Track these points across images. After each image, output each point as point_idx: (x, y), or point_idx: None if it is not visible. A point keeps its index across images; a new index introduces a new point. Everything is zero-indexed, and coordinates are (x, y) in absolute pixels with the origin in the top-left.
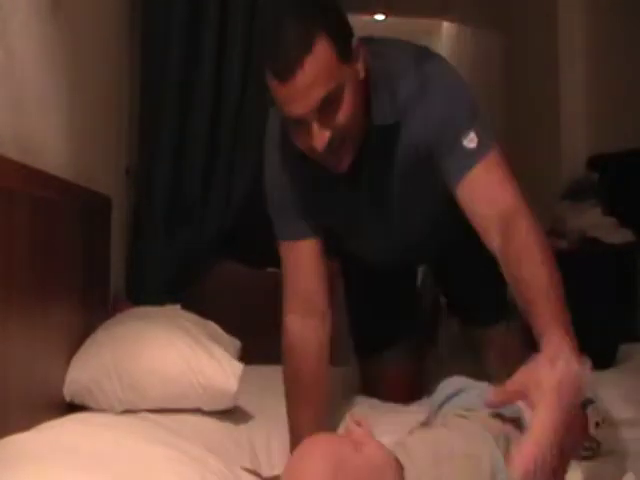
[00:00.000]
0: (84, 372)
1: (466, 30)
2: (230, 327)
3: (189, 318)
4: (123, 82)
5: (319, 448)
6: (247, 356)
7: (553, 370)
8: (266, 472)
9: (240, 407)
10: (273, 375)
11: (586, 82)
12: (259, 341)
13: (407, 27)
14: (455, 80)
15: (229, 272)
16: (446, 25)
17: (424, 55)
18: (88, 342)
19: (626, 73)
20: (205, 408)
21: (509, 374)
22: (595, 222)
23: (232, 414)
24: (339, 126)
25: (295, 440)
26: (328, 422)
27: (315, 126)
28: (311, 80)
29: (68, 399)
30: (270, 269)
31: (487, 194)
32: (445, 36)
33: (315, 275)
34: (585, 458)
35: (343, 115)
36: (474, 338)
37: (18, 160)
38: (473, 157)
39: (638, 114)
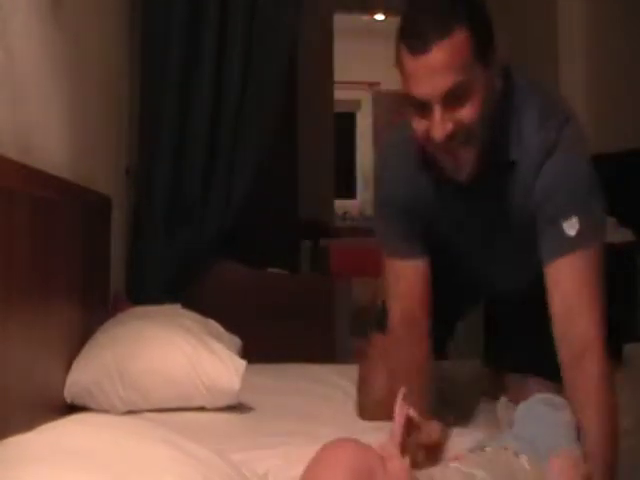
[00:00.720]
0: (85, 374)
1: None
2: (230, 327)
3: (190, 317)
4: (123, 82)
5: (345, 456)
6: (247, 356)
7: None
8: (266, 471)
9: (242, 405)
10: (273, 374)
11: (586, 82)
12: (259, 341)
13: None
14: (584, 155)
15: (229, 272)
16: None
17: (564, 111)
18: (89, 343)
19: (626, 73)
20: (208, 406)
21: None
22: None
23: (234, 411)
24: (462, 123)
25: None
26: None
27: (437, 113)
28: (443, 63)
29: (69, 400)
30: (270, 269)
31: (569, 294)
32: None
33: (420, 294)
34: None
35: (468, 112)
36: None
37: (18, 160)
38: (567, 246)
39: (638, 114)
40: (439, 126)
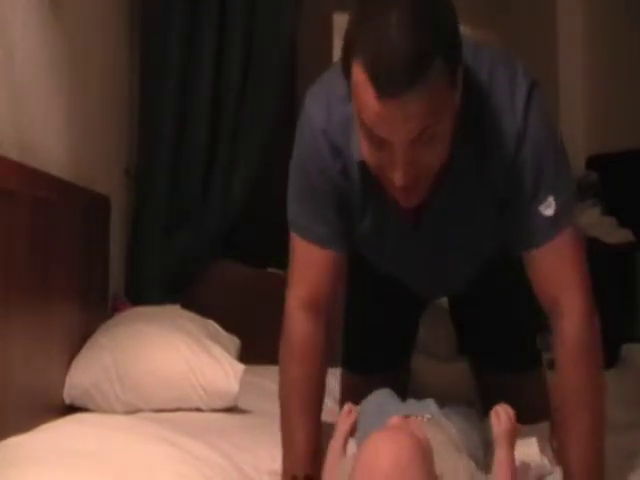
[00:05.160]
0: (84, 376)
1: (466, 30)
2: (230, 327)
3: (189, 318)
4: (123, 82)
5: (404, 437)
6: (247, 356)
7: None
8: (264, 471)
9: (240, 406)
10: (273, 375)
11: (585, 82)
12: (259, 341)
13: None
14: (550, 127)
15: (229, 272)
16: None
17: (521, 84)
18: (88, 345)
19: (625, 73)
20: (206, 409)
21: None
22: (595, 222)
23: (233, 412)
24: (427, 167)
25: (292, 453)
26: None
27: (401, 158)
28: (416, 108)
29: (68, 401)
30: (270, 269)
31: (555, 280)
32: None
33: (330, 280)
34: None
35: (436, 155)
36: (490, 386)
37: (18, 160)
38: (546, 231)
39: (638, 114)
40: (401, 174)
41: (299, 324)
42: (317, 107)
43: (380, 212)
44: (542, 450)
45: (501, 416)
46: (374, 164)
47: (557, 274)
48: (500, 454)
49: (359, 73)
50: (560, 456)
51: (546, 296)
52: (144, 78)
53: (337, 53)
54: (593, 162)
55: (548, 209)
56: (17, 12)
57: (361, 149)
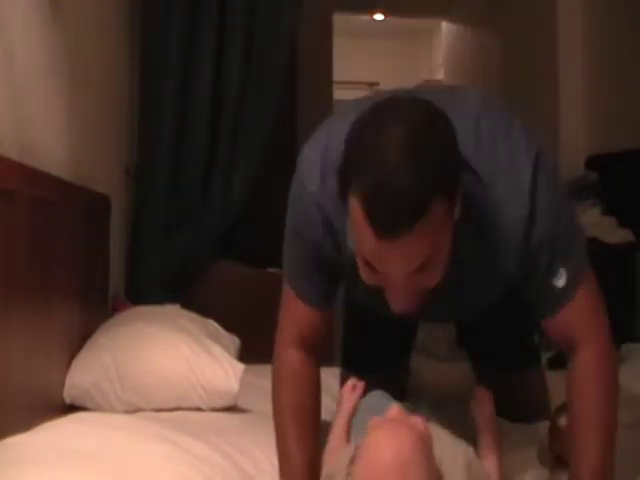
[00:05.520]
0: (84, 375)
1: (466, 30)
2: (230, 327)
3: (189, 317)
4: (123, 82)
5: (405, 432)
6: (247, 356)
7: None
8: (264, 471)
9: (240, 406)
10: None
11: (586, 82)
12: (259, 341)
13: (407, 27)
14: (558, 199)
15: (229, 272)
16: (446, 25)
17: (524, 163)
18: (88, 344)
19: (625, 73)
20: (206, 408)
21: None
22: (594, 222)
23: (232, 412)
24: (426, 288)
25: (288, 473)
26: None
27: (400, 288)
28: (415, 247)
29: (68, 401)
30: (270, 269)
31: (572, 333)
32: (445, 36)
33: (321, 327)
34: None
35: (434, 279)
36: (489, 385)
37: (18, 160)
38: (560, 299)
39: (638, 114)
40: (400, 301)
41: (289, 358)
42: (311, 173)
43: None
44: (540, 452)
45: (483, 401)
46: (370, 282)
47: (573, 329)
48: (486, 439)
49: (357, 208)
50: (561, 461)
51: (562, 341)
52: (144, 78)
53: (337, 53)
54: (593, 162)
55: (560, 280)
56: (17, 12)
57: (362, 275)
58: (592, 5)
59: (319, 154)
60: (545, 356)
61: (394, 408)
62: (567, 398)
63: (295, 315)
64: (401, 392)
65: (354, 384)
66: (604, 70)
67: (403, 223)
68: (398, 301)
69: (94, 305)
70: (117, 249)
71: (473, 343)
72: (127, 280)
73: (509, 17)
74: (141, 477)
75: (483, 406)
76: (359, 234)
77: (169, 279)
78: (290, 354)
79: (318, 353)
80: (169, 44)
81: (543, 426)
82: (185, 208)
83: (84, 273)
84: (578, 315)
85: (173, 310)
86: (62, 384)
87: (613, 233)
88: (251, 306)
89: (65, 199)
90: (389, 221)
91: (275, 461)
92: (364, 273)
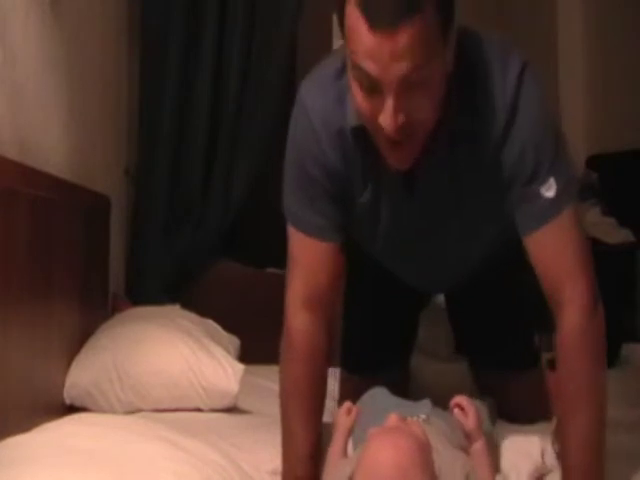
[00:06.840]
0: (84, 376)
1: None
2: (230, 327)
3: (189, 318)
4: (123, 82)
5: (405, 441)
6: (247, 356)
7: None
8: (264, 471)
9: (240, 406)
10: (273, 375)
11: (585, 82)
12: (259, 341)
13: None
14: (545, 107)
15: (229, 272)
16: None
17: (515, 61)
18: (88, 345)
19: (626, 73)
20: (206, 409)
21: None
22: (595, 222)
23: (232, 412)
24: (416, 115)
25: (292, 454)
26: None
27: (390, 102)
28: (410, 43)
29: (68, 402)
30: (270, 269)
31: (558, 265)
32: None
33: (330, 273)
34: None
35: (425, 104)
36: (488, 386)
37: (18, 160)
38: (548, 210)
39: (638, 114)
40: (390, 118)
41: (300, 324)
42: (312, 94)
43: (378, 184)
44: (543, 450)
45: (468, 411)
46: (366, 112)
47: (560, 258)
48: (477, 446)
49: (352, 11)
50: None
51: (549, 284)
52: (144, 78)
53: None
54: (593, 162)
55: (549, 190)
56: (17, 12)
57: (357, 101)
58: (592, 5)
59: (316, 74)
60: (545, 356)
61: (392, 417)
62: (557, 359)
63: (305, 261)
64: (402, 392)
65: (349, 407)
66: (604, 70)
67: (396, 12)
68: (391, 123)
69: (94, 305)
70: (117, 249)
71: (472, 344)
72: (127, 280)
73: (509, 17)
74: (141, 477)
75: (467, 414)
76: (354, 38)
77: (169, 279)
78: (299, 319)
79: (330, 316)
80: (169, 44)
81: (542, 425)
82: (185, 208)
83: (84, 273)
84: (564, 242)
85: (173, 310)
86: (62, 385)
87: (613, 233)
88: (251, 306)
89: (65, 199)
90: (382, 10)
91: (275, 461)
92: (360, 99)
